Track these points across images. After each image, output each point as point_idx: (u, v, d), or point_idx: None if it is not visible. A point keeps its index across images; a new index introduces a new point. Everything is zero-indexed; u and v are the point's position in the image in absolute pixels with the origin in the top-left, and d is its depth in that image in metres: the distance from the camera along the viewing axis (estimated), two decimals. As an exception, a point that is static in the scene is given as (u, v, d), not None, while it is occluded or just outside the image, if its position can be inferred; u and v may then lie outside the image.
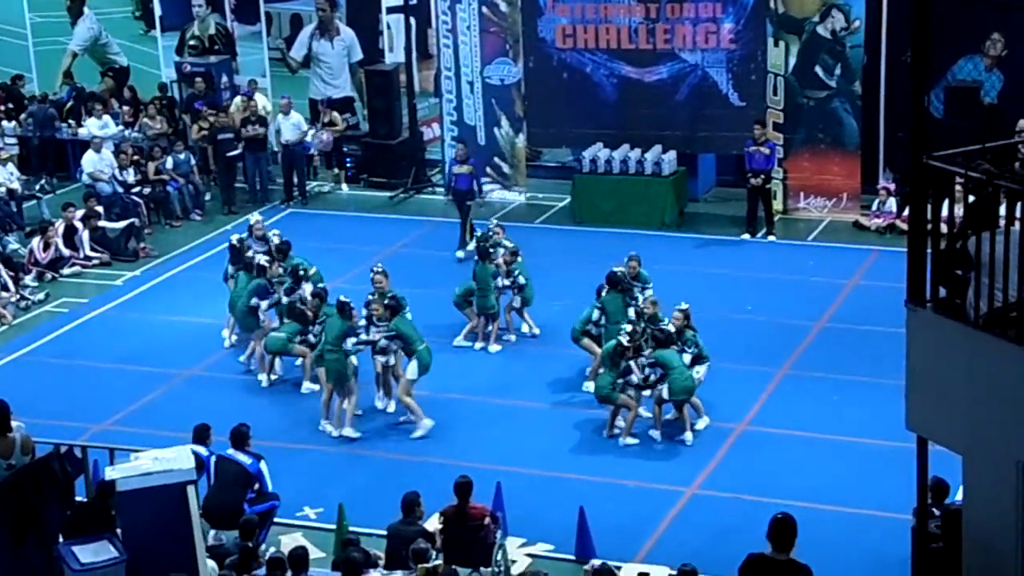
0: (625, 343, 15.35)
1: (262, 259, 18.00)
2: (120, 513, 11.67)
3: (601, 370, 15.95)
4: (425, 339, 16.13)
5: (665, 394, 15.44)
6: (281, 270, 17.84)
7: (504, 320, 18.28)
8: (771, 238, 21.39)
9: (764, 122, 21.70)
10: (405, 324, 16.06)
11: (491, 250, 18.13)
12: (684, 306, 16.03)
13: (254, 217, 19.72)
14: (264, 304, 17.54)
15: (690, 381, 15.44)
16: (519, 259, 18.11)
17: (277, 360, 17.52)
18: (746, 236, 21.57)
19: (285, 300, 17.41)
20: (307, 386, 17.14)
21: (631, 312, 16.19)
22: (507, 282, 17.99)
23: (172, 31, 27.04)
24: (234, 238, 18.80)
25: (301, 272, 17.73)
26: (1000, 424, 8.28)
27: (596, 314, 16.64)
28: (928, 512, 9.70)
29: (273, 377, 17.46)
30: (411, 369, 15.98)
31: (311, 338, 17.04)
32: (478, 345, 18.15)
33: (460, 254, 20.46)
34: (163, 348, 18.53)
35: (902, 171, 21.29)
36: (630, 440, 15.53)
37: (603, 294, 16.67)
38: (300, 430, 16.18)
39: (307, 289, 17.54)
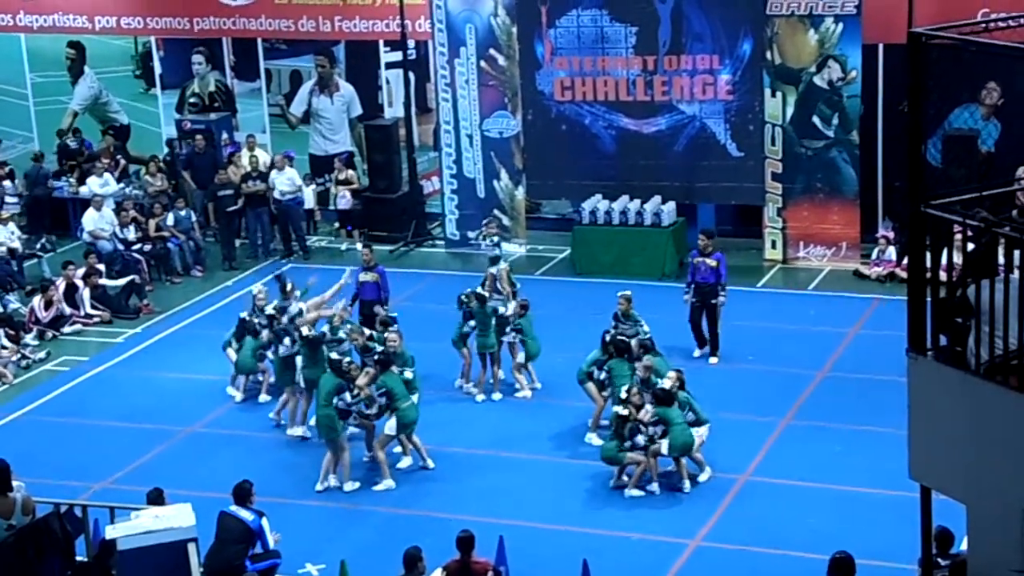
0: (623, 413, 15.38)
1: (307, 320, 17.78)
2: (121, 572, 11.62)
3: (604, 426, 15.89)
4: (411, 397, 16.11)
5: (664, 450, 15.42)
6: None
7: (514, 378, 18.25)
8: (713, 361, 18.82)
9: (711, 233, 19.22)
10: (393, 380, 16.05)
11: (487, 295, 18.19)
12: (676, 372, 15.99)
13: (256, 288, 19.04)
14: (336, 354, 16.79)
15: (690, 437, 15.43)
16: (528, 312, 18.16)
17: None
18: (697, 352, 18.99)
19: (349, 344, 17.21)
20: None
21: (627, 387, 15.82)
22: (509, 331, 17.97)
23: (172, 89, 27.18)
24: (244, 314, 18.66)
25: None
26: (1003, 472, 8.24)
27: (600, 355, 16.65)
28: (933, 562, 9.64)
29: (310, 434, 17.23)
30: (389, 425, 16.01)
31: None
32: (480, 397, 18.13)
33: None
34: (164, 405, 18.49)
35: (901, 219, 21.32)
36: (636, 492, 15.48)
37: (610, 359, 16.58)
38: (302, 486, 16.11)
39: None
